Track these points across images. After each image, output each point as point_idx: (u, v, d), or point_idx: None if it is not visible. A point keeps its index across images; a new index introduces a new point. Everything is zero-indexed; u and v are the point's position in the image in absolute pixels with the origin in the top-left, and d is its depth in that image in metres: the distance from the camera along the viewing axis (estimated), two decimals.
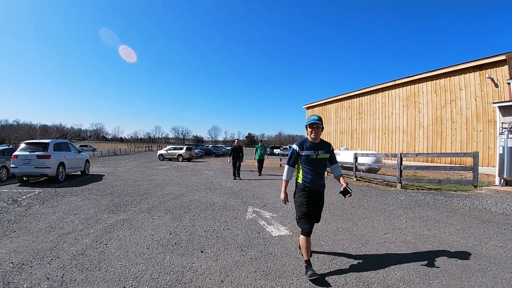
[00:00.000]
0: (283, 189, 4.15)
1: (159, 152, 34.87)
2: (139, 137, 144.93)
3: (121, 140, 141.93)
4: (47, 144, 13.07)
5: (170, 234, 5.63)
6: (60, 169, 13.04)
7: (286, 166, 4.19)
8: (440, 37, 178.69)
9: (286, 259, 4.50)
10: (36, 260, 4.23)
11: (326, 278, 3.82)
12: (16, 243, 4.93)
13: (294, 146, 4.13)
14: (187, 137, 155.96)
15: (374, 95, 24.91)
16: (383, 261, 4.37)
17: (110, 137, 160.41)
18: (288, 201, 4.15)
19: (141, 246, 4.91)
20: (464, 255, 4.63)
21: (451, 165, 16.42)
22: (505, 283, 3.65)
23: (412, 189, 11.53)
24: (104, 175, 16.04)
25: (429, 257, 4.53)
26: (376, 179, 14.18)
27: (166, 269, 4.04)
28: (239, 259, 4.46)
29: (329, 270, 4.09)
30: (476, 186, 10.85)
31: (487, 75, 16.42)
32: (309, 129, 4.06)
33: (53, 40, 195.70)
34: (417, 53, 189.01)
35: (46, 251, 4.59)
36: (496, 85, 16.08)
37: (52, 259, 4.29)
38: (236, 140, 16.47)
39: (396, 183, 12.19)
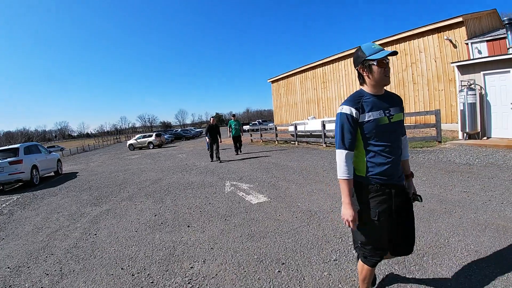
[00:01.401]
0: (346, 199, 2.18)
1: (129, 142, 34.31)
2: (105, 130, 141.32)
3: (88, 135, 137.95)
4: (17, 148, 12.68)
5: (155, 215, 5.89)
6: (34, 172, 12.72)
7: (340, 151, 2.19)
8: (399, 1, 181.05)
9: (267, 222, 4.92)
10: (31, 261, 4.33)
11: (304, 235, 4.25)
12: (7, 249, 4.98)
13: (345, 108, 2.17)
14: (154, 124, 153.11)
15: (337, 63, 25.36)
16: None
17: (76, 134, 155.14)
18: (357, 222, 2.22)
19: (130, 230, 5.15)
20: (431, 201, 5.06)
21: (415, 124, 17.21)
22: (469, 221, 4.10)
23: None
24: (78, 172, 15.81)
25: None
26: None
27: (158, 246, 4.33)
28: (224, 227, 4.81)
29: (307, 226, 4.54)
30: (440, 142, 11.56)
31: (445, 37, 17.09)
32: (377, 69, 2.14)
33: (5, 42, 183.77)
34: (377, 19, 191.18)
35: (39, 251, 4.69)
36: (455, 46, 16.80)
37: (46, 256, 4.41)
38: (211, 119, 14.71)
39: None
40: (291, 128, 18.88)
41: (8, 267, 4.19)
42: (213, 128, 13.82)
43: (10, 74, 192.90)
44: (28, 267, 4.12)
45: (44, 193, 10.08)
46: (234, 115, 17.29)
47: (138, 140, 32.90)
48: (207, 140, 13.97)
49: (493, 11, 19.27)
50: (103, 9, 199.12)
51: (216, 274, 3.38)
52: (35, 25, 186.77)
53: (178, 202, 6.74)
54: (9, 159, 11.95)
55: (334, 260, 3.40)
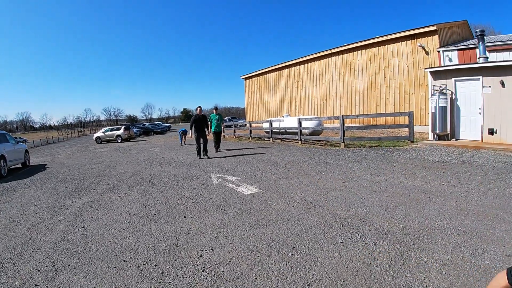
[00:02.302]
0: None
1: (96, 135, 33.12)
2: (69, 123, 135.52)
3: (51, 127, 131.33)
4: None
5: (145, 207, 5.72)
6: (2, 163, 11.87)
7: None
8: (374, 7, 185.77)
9: (265, 211, 4.97)
10: (15, 257, 3.96)
11: (305, 222, 4.32)
12: None
13: None
14: (120, 118, 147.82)
15: (312, 63, 25.82)
16: (349, 202, 5.20)
17: (38, 126, 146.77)
18: None
19: (121, 222, 4.95)
20: (414, 192, 5.50)
21: (389, 124, 17.80)
22: (452, 208, 4.57)
23: (354, 147, 12.52)
24: (46, 164, 15.03)
25: (386, 196, 5.39)
26: (320, 141, 15.06)
27: (158, 237, 4.20)
28: (223, 217, 4.79)
29: (306, 214, 4.67)
30: (412, 141, 12.17)
31: (418, 44, 17.91)
32: None
33: None
34: (351, 22, 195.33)
35: (22, 245, 4.31)
36: (427, 53, 17.64)
37: (32, 251, 4.08)
38: (198, 108, 12.77)
39: (339, 143, 13.10)
40: (266, 125, 19.01)
41: None
42: (200, 120, 12.29)
43: None
44: (13, 264, 3.74)
45: (15, 185, 9.45)
46: (216, 108, 15.34)
47: (106, 133, 31.82)
48: (191, 134, 12.51)
49: (464, 22, 20.41)
50: None
51: (230, 261, 3.37)
52: None
53: (166, 194, 6.59)
54: None
55: (340, 242, 3.63)
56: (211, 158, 11.99)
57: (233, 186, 6.80)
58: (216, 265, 3.29)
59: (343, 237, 3.75)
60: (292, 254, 3.42)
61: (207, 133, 12.47)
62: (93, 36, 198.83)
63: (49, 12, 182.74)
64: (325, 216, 4.51)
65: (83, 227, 4.89)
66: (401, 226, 3.99)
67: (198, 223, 4.61)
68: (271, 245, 3.68)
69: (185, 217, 4.94)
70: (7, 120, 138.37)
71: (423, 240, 3.53)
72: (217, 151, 13.98)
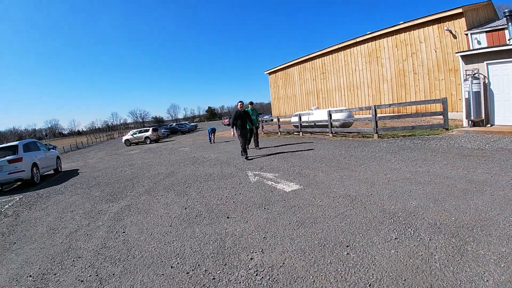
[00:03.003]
0: None
1: (125, 137, 33.73)
2: (97, 127, 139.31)
3: (79, 133, 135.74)
4: (16, 146, 12.06)
5: (186, 208, 5.61)
6: (35, 171, 12.16)
7: None
8: None
9: (310, 208, 4.76)
10: (56, 266, 3.86)
11: (354, 218, 4.08)
12: (23, 255, 4.47)
13: None
14: (146, 120, 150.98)
15: (336, 54, 25.26)
16: (395, 195, 4.93)
17: (67, 132, 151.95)
18: None
19: (163, 226, 4.84)
20: (460, 182, 5.23)
21: (422, 112, 17.20)
22: (501, 198, 4.34)
23: (387, 138, 12.09)
24: (78, 169, 15.39)
25: (432, 187, 5.12)
26: (351, 132, 14.69)
27: (203, 240, 4.06)
28: (267, 216, 4.61)
29: (354, 210, 4.46)
30: (447, 129, 11.74)
31: (445, 28, 17.16)
32: None
33: None
34: (377, 9, 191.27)
35: (62, 254, 4.23)
36: (455, 37, 16.89)
37: (73, 260, 3.98)
38: (239, 104, 11.20)
39: (372, 134, 12.71)
40: (295, 119, 18.74)
41: (30, 276, 3.72)
42: (242, 116, 11.03)
43: None
44: (54, 274, 3.65)
45: (49, 192, 9.63)
46: (252, 103, 14.02)
47: (135, 135, 32.37)
48: (233, 132, 11.24)
49: (489, 3, 19.50)
50: (90, 4, 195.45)
51: (283, 263, 3.20)
52: (21, 22, 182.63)
53: (205, 194, 6.48)
54: (8, 157, 11.33)
55: (395, 238, 3.45)
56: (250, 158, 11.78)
57: (272, 183, 6.61)
58: (270, 268, 3.12)
59: (396, 233, 3.57)
60: (348, 253, 3.23)
61: (254, 128, 12.01)
62: (117, 40, 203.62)
63: (74, 20, 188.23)
64: (373, 212, 4.30)
65: (124, 232, 4.81)
66: (453, 218, 3.79)
67: (242, 223, 4.46)
68: (324, 245, 3.49)
69: (228, 217, 4.79)
70: (36, 129, 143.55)
71: (477, 233, 3.37)
72: (258, 147, 13.19)
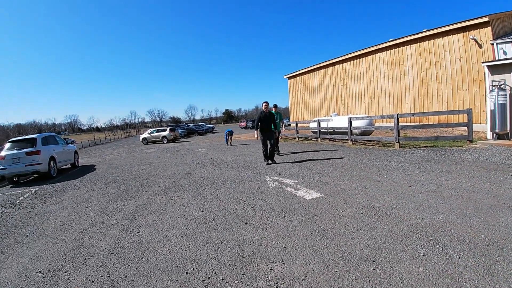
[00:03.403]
0: None
1: (142, 136, 34.04)
2: (115, 124, 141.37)
3: (97, 129, 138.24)
4: (35, 139, 12.25)
5: (202, 211, 5.45)
6: (52, 164, 12.34)
7: None
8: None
9: (332, 218, 4.55)
10: (67, 264, 3.76)
11: (379, 231, 3.87)
12: (34, 249, 4.41)
13: None
14: (164, 119, 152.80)
15: (358, 60, 24.94)
16: (421, 208, 4.71)
17: (85, 127, 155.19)
18: None
19: (179, 228, 4.69)
20: (488, 197, 5.03)
21: (446, 123, 16.80)
22: None
23: (410, 148, 11.78)
24: (95, 165, 15.50)
25: (459, 202, 4.89)
26: (371, 141, 14.37)
27: (220, 245, 3.90)
28: (287, 224, 4.42)
29: (378, 222, 4.25)
30: (471, 141, 11.35)
31: (471, 36, 16.70)
32: None
33: (15, 34, 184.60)
34: (400, 16, 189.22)
35: (74, 251, 4.13)
36: (480, 46, 16.42)
37: (85, 258, 3.86)
38: (264, 104, 10.44)
39: (394, 143, 12.40)
40: (313, 125, 18.49)
41: (40, 271, 3.63)
42: (267, 117, 10.19)
43: (21, 68, 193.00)
44: (65, 272, 3.55)
45: (65, 186, 9.70)
46: (275, 106, 13.09)
47: (152, 134, 32.62)
48: (257, 135, 10.51)
49: None
50: (111, 5, 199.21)
51: (305, 276, 3.00)
52: (44, 20, 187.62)
53: (222, 197, 6.32)
54: (26, 150, 11.58)
55: (423, 255, 3.26)
56: (259, 157, 11.58)
57: (291, 190, 6.41)
58: (291, 281, 2.93)
59: (424, 249, 3.36)
60: (374, 269, 3.03)
61: (279, 132, 11.07)
62: (138, 42, 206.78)
63: (97, 20, 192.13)
64: (399, 225, 4.07)
65: (138, 232, 4.69)
66: (483, 236, 3.60)
67: (261, 230, 4.27)
68: (348, 258, 3.29)
69: (246, 223, 4.61)
70: (56, 123, 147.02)
71: (507, 252, 3.19)
72: (278, 153, 12.49)
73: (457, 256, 3.16)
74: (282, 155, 12.32)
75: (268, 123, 10.19)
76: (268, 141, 10.14)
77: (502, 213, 4.26)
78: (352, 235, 3.87)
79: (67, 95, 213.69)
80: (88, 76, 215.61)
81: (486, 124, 12.47)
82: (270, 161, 10.23)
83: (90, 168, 14.16)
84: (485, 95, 14.80)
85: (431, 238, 3.62)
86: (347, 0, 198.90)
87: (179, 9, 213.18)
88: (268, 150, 10.16)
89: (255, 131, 10.56)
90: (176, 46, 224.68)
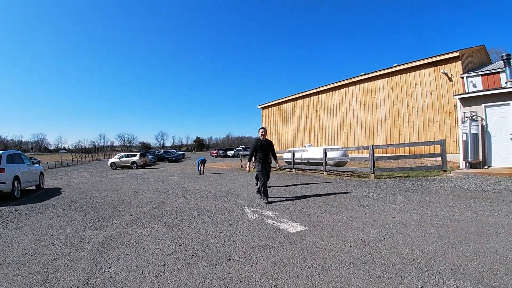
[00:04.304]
0: None
1: (111, 160, 33.01)
2: (83, 147, 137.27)
3: (65, 150, 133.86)
4: (0, 156, 11.45)
5: (180, 245, 5.03)
6: (16, 184, 11.47)
7: None
8: (393, 35, 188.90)
9: (322, 253, 4.32)
10: None
11: (371, 264, 3.66)
12: None
13: None
14: (133, 144, 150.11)
15: (331, 92, 25.47)
16: (410, 239, 4.68)
17: (52, 148, 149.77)
18: None
19: (155, 264, 4.25)
20: (472, 225, 5.22)
21: (420, 154, 17.17)
22: None
23: (385, 178, 11.89)
24: (61, 188, 14.63)
25: (446, 231, 4.98)
26: (346, 172, 14.47)
27: (204, 285, 3.52)
28: (274, 260, 4.12)
29: (369, 255, 4.11)
30: (445, 171, 11.77)
31: (442, 71, 17.51)
32: None
33: None
34: (372, 51, 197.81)
35: (38, 286, 3.67)
36: (450, 79, 17.22)
37: None
38: (261, 131, 8.89)
39: (369, 173, 12.49)
40: (287, 155, 18.47)
41: None
42: (264, 146, 8.74)
43: None
44: None
45: (29, 209, 8.97)
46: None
47: (121, 159, 31.67)
48: (248, 166, 9.29)
49: (482, 47, 20.20)
50: (87, 22, 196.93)
51: None
52: (15, 29, 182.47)
53: (200, 230, 5.91)
54: None
55: (421, 287, 3.21)
56: (239, 185, 11.24)
57: (273, 223, 6.12)
58: None
59: (421, 281, 3.30)
60: None
61: (276, 163, 9.57)
62: (110, 61, 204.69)
63: (68, 33, 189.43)
64: (391, 258, 3.97)
65: (110, 267, 4.19)
66: (475, 263, 3.65)
67: (247, 267, 3.94)
68: None
69: (229, 259, 4.26)
70: (23, 140, 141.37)
71: (502, 277, 3.28)
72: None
73: (455, 286, 3.15)
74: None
75: (266, 153, 8.74)
76: (264, 172, 8.65)
77: (490, 240, 4.39)
78: (345, 270, 3.66)
79: (35, 113, 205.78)
80: (58, 94, 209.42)
81: (457, 153, 12.90)
82: (269, 200, 8.45)
83: (55, 191, 13.33)
84: (457, 126, 15.38)
85: (425, 269, 3.57)
86: (320, 33, 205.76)
87: (153, 30, 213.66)
88: (263, 184, 8.56)
89: (247, 163, 9.30)
90: (149, 69, 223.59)
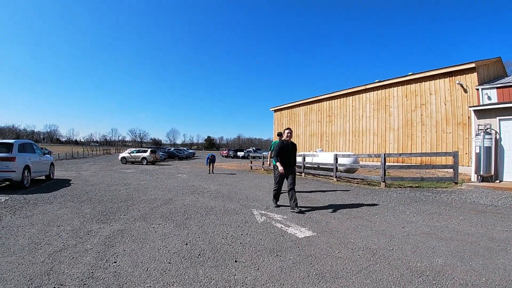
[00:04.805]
0: None
1: (122, 155, 33.30)
2: (94, 140, 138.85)
3: (76, 142, 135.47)
4: (11, 144, 11.52)
5: (186, 244, 5.01)
6: (26, 173, 11.59)
7: None
8: (411, 45, 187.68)
9: (329, 260, 4.27)
10: None
11: (379, 274, 3.59)
12: None
13: None
14: (144, 140, 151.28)
15: (345, 98, 25.35)
16: (419, 251, 4.62)
17: (64, 139, 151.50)
18: None
19: (161, 261, 4.22)
20: (482, 240, 5.14)
21: (432, 164, 16.95)
22: None
23: (395, 187, 11.75)
24: (70, 180, 14.78)
25: (456, 244, 4.90)
26: (356, 179, 14.34)
27: (208, 285, 3.49)
28: (281, 265, 4.07)
29: (377, 265, 4.05)
30: (456, 183, 11.58)
31: (457, 81, 17.29)
32: None
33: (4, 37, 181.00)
34: (387, 60, 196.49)
35: (42, 276, 3.62)
36: (465, 91, 16.99)
37: (54, 287, 3.38)
38: (286, 132, 8.08)
39: (379, 182, 12.35)
40: (298, 159, 18.37)
41: None
42: (289, 149, 7.98)
43: (2, 68, 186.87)
44: None
45: (37, 199, 9.06)
46: (280, 134, 9.06)
47: (132, 154, 31.92)
48: (275, 166, 8.14)
49: (498, 59, 19.91)
50: (102, 17, 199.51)
51: None
52: (33, 25, 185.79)
53: (207, 230, 5.89)
54: (0, 155, 10.88)
55: None
56: (249, 187, 11.18)
57: (282, 227, 6.07)
58: None
59: None
60: None
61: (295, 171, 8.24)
62: (125, 59, 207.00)
63: (83, 29, 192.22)
64: (399, 269, 3.90)
65: (115, 262, 4.18)
66: (484, 279, 3.57)
67: (253, 270, 3.90)
68: None
69: (236, 261, 4.22)
70: (35, 130, 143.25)
71: None
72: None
73: None
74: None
75: (290, 156, 7.98)
76: (286, 179, 8.00)
77: (499, 256, 4.32)
78: (352, 279, 3.60)
79: (49, 103, 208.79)
80: (71, 87, 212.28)
81: (469, 166, 12.71)
82: (295, 209, 7.52)
83: (65, 183, 13.45)
84: (470, 138, 15.15)
85: (433, 282, 3.50)
86: (334, 41, 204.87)
87: (169, 29, 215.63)
88: (288, 190, 7.80)
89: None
90: (163, 67, 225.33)
